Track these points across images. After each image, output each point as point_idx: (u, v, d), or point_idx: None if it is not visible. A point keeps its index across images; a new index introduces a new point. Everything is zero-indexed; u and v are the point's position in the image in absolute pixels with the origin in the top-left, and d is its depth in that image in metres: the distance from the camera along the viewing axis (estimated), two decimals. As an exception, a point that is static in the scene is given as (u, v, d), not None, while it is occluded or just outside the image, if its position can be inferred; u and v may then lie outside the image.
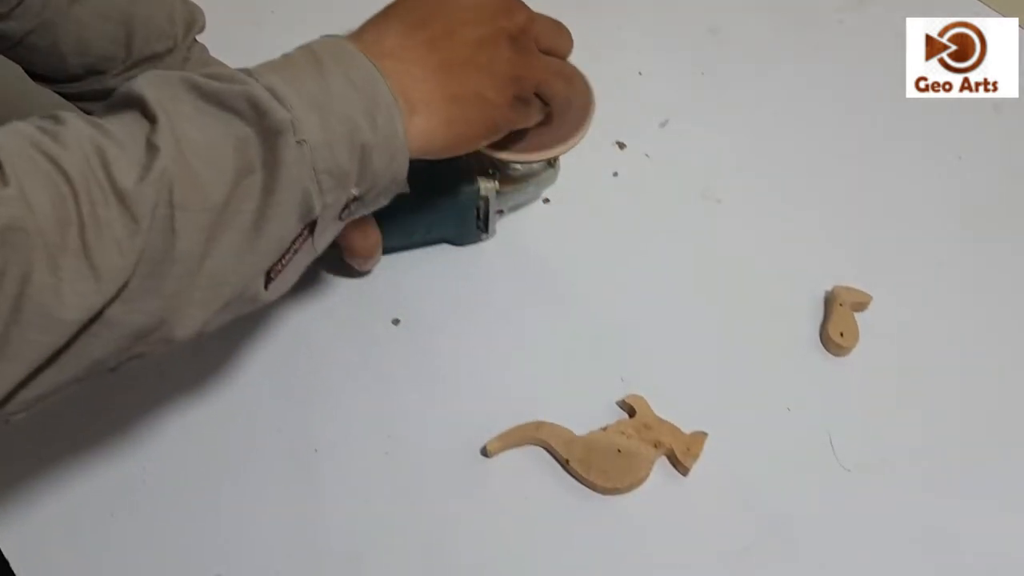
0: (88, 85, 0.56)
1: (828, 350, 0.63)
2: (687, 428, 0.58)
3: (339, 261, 0.61)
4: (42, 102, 0.59)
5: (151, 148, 0.36)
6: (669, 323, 0.64)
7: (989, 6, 0.80)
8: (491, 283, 0.66)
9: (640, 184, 0.71)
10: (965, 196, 0.72)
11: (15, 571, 0.53)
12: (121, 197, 0.35)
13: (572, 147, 0.58)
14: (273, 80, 0.40)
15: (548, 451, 0.58)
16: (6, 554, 0.54)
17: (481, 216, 0.64)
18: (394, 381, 0.61)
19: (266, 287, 0.43)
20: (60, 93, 0.57)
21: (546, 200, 0.69)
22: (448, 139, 0.47)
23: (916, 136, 0.75)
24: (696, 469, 0.57)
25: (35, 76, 0.57)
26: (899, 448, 0.59)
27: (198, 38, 0.61)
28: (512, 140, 0.56)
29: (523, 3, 0.50)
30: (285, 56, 0.43)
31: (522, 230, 0.68)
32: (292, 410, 0.60)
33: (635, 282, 0.66)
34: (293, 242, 0.42)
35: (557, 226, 0.68)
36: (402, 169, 0.45)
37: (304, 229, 0.42)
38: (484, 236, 0.67)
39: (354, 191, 0.43)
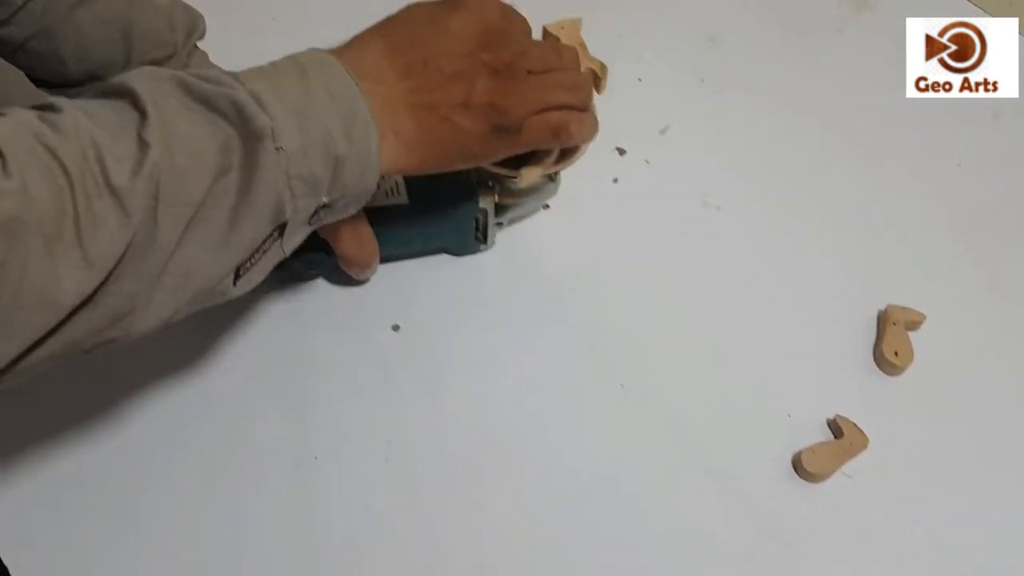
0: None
1: (883, 369, 0.63)
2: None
3: (338, 269, 0.61)
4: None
5: (142, 144, 0.38)
6: (669, 330, 0.64)
7: (984, 10, 0.80)
8: (491, 289, 0.66)
9: (640, 191, 0.71)
10: (966, 204, 0.72)
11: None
12: (114, 192, 0.37)
13: (573, 163, 0.58)
14: (258, 86, 0.42)
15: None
16: (5, 561, 0.54)
17: (480, 228, 0.64)
18: (394, 388, 0.61)
19: (235, 283, 0.44)
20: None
21: (546, 206, 0.69)
22: (414, 162, 0.48)
23: (917, 138, 0.75)
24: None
25: (36, 81, 0.57)
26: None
27: (199, 44, 0.61)
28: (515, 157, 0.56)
29: (514, 35, 0.50)
30: (272, 64, 0.44)
31: (522, 236, 0.68)
32: (292, 417, 0.60)
33: (634, 289, 0.66)
34: (263, 242, 0.44)
35: (557, 232, 0.68)
36: (372, 182, 0.46)
37: (274, 231, 0.44)
38: (483, 247, 0.66)
39: (324, 198, 0.45)
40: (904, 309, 0.64)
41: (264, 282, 0.63)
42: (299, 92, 0.43)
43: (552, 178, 0.64)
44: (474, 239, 0.65)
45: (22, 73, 0.56)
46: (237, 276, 0.44)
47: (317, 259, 0.61)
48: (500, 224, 0.65)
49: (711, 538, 0.56)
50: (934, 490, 0.58)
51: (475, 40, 0.48)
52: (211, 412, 0.60)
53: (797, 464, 0.58)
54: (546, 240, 0.68)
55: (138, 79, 0.40)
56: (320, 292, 0.65)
